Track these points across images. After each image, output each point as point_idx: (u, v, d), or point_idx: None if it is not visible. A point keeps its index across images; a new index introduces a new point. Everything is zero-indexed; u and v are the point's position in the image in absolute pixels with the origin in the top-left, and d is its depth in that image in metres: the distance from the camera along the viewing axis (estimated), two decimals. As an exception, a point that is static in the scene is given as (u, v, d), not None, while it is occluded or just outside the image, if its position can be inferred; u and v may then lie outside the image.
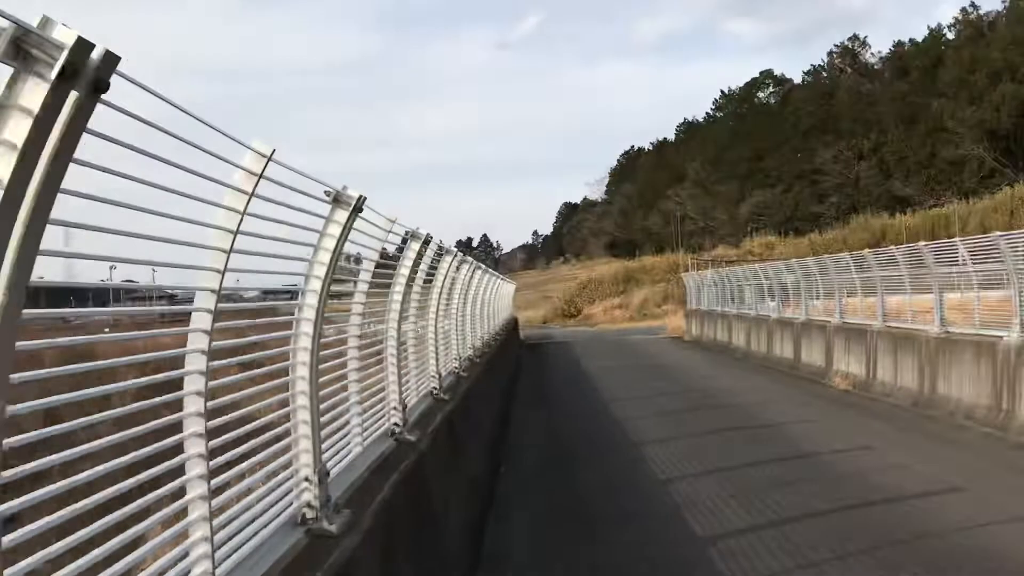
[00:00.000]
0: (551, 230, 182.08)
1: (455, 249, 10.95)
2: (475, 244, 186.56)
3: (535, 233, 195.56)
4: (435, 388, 10.02)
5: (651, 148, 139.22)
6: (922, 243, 16.82)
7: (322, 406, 5.22)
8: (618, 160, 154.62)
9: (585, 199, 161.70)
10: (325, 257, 4.86)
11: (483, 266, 18.98)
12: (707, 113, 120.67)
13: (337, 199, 4.86)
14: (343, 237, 4.90)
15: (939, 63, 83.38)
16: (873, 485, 10.59)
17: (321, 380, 5.36)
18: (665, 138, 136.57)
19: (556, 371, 28.34)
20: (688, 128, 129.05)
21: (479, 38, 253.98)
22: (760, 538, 8.52)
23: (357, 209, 4.93)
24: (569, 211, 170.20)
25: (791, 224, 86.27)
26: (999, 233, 13.94)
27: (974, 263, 15.18)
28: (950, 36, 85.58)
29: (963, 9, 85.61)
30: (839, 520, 9.08)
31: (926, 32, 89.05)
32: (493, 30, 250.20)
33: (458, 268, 12.03)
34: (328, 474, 5.03)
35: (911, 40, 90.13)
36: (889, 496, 9.96)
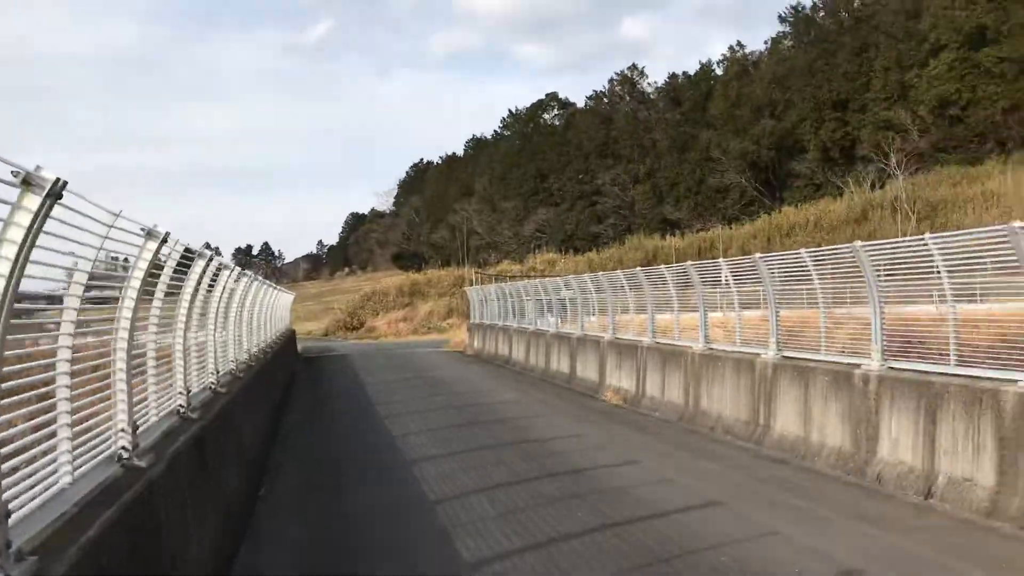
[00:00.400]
0: (337, 240, 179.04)
1: (208, 252, 9.97)
2: (255, 252, 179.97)
3: (320, 243, 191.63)
4: (182, 406, 9.03)
5: (440, 162, 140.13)
6: (689, 262, 17.47)
7: (10, 431, 4.33)
8: (407, 172, 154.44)
9: (373, 210, 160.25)
10: (10, 251, 3.99)
11: (250, 273, 17.88)
12: (495, 131, 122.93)
13: (27, 181, 4.01)
14: (34, 229, 4.05)
15: (709, 96, 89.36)
16: (639, 500, 10.64)
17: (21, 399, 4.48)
18: (454, 153, 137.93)
19: (333, 386, 27.35)
20: (477, 144, 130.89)
21: (266, 39, 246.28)
22: (525, 560, 8.22)
23: (54, 195, 4.10)
24: (356, 221, 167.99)
25: (572, 242, 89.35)
26: (759, 255, 14.63)
27: (736, 283, 15.90)
28: (719, 72, 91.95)
29: (731, 47, 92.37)
30: (605, 538, 8.97)
31: (698, 66, 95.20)
32: (281, 31, 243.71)
33: (216, 275, 11.05)
34: (9, 514, 4.14)
35: (684, 73, 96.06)
36: (654, 511, 10.01)
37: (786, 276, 14.56)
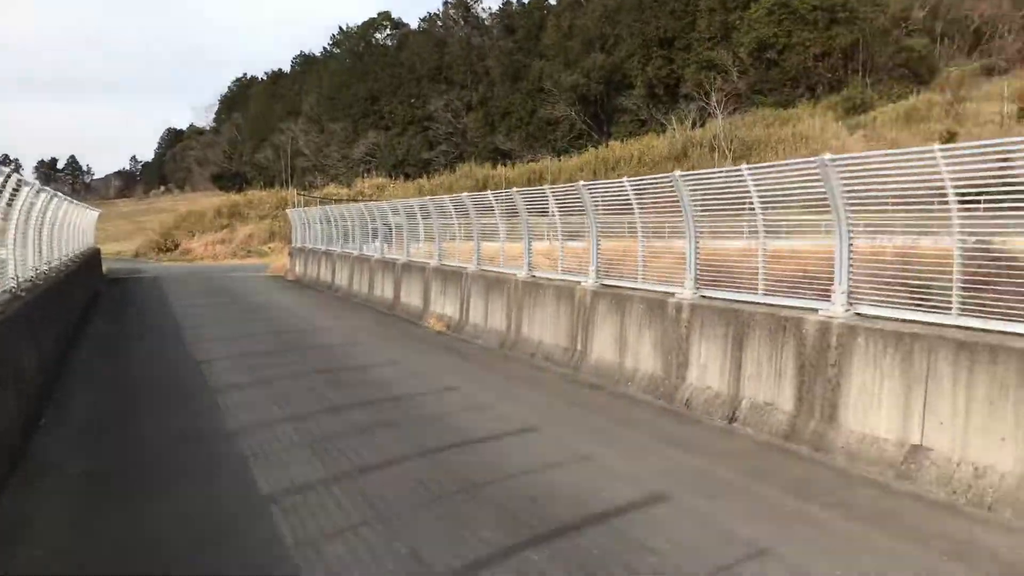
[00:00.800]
0: (152, 157, 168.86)
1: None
2: (60, 167, 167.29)
3: (134, 159, 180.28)
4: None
5: (266, 78, 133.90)
6: (515, 189, 17.24)
7: None
8: (229, 87, 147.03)
9: (191, 126, 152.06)
10: None
11: (49, 189, 16.28)
12: (324, 48, 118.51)
13: None
14: None
15: (542, 26, 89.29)
16: (455, 427, 10.42)
17: None
18: (281, 69, 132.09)
19: (139, 309, 25.67)
20: (305, 61, 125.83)
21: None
22: (331, 492, 7.82)
23: None
24: (173, 138, 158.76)
25: (403, 168, 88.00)
26: (583, 183, 14.54)
27: (561, 213, 15.81)
28: (552, 1, 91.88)
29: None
30: (417, 466, 8.69)
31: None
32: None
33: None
34: None
35: (519, 0, 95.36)
36: (470, 438, 9.82)
37: (609, 206, 14.56)
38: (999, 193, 8.22)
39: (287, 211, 48.65)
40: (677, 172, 12.02)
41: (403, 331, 20.25)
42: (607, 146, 70.93)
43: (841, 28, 72.07)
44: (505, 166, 74.65)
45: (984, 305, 8.06)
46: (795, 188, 10.62)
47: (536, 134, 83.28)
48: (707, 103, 65.01)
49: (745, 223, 11.61)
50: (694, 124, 66.01)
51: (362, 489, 7.94)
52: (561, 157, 73.98)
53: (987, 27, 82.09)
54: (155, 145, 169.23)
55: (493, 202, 18.12)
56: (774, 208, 11.05)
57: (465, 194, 20.15)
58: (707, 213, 12.35)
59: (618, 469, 8.66)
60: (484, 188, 58.29)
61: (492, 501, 7.65)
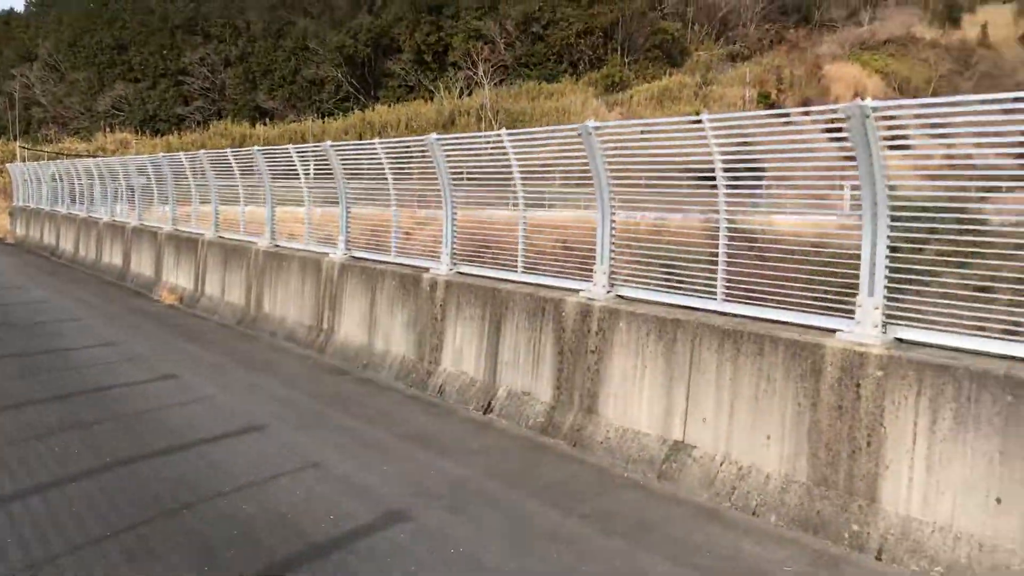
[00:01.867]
0: None
1: None
2: None
3: None
4: None
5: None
6: (256, 148, 15.40)
7: None
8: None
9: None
10: None
11: None
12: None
13: None
14: None
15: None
16: (163, 427, 8.75)
17: None
18: (13, 9, 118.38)
19: None
20: (42, 2, 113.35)
21: None
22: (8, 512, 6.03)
23: None
24: None
25: (154, 123, 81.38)
26: (329, 143, 13.02)
27: (314, 176, 14.22)
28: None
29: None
30: (101, 485, 7.00)
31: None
32: None
33: None
34: None
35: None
36: (178, 442, 8.20)
37: (363, 170, 13.14)
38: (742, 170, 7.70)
39: (7, 166, 43.07)
40: (433, 135, 10.82)
41: (129, 305, 17.84)
42: (373, 110, 68.89)
43: (602, 7, 74.09)
44: (265, 125, 70.76)
45: (752, 291, 7.50)
46: (558, 158, 9.77)
47: (300, 94, 79.56)
48: (475, 72, 64.58)
49: (509, 194, 10.63)
50: (462, 93, 65.42)
51: (51, 509, 6.19)
52: (326, 119, 71.10)
53: (732, 15, 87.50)
54: None
55: (232, 161, 16.12)
56: (537, 179, 10.15)
57: (202, 151, 17.94)
58: (472, 182, 11.30)
59: (353, 480, 7.39)
60: (241, 147, 54.68)
61: (190, 531, 6.15)
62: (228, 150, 16.64)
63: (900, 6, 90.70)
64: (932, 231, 6.78)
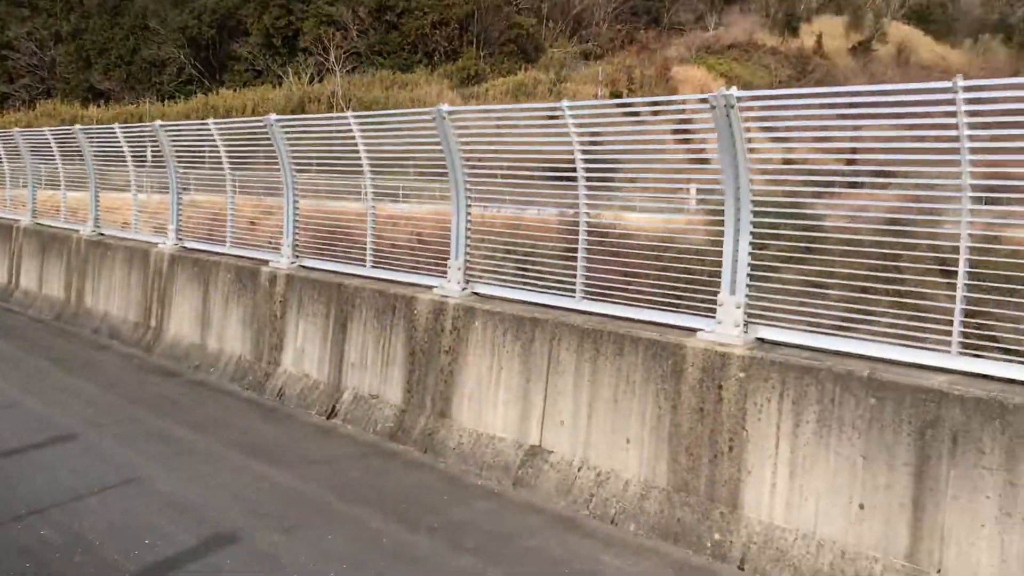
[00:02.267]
0: None
1: None
2: None
3: None
4: None
5: None
6: (77, 126, 14.03)
7: None
8: None
9: None
10: None
11: None
12: None
13: None
14: None
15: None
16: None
17: None
18: None
19: None
20: None
21: None
22: None
23: None
24: None
25: (-28, 102, 75.11)
26: (159, 122, 11.92)
27: (136, 161, 13.03)
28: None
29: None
30: None
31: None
32: None
33: None
34: None
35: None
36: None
37: (200, 155, 12.13)
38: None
39: None
40: (272, 116, 10.01)
41: (-69, 298, 16.01)
42: (218, 94, 65.94)
43: (458, -1, 73.63)
44: (100, 107, 66.55)
45: (612, 289, 7.16)
46: (412, 147, 9.19)
47: (139, 75, 75.33)
48: (326, 59, 62.83)
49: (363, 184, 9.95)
50: (312, 79, 63.51)
51: None
52: (166, 102, 67.57)
53: (586, 13, 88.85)
54: None
55: (51, 141, 14.65)
56: (390, 166, 9.54)
57: (15, 129, 16.30)
58: (322, 170, 10.54)
59: (178, 497, 6.59)
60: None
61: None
62: (46, 128, 15.15)
63: (744, 13, 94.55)
64: (782, 227, 6.63)
